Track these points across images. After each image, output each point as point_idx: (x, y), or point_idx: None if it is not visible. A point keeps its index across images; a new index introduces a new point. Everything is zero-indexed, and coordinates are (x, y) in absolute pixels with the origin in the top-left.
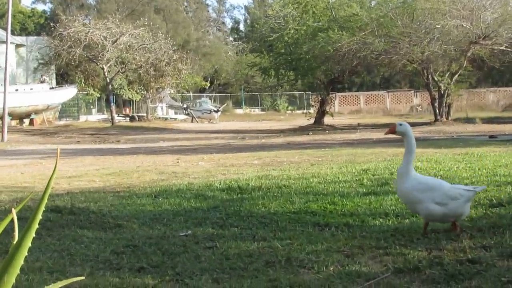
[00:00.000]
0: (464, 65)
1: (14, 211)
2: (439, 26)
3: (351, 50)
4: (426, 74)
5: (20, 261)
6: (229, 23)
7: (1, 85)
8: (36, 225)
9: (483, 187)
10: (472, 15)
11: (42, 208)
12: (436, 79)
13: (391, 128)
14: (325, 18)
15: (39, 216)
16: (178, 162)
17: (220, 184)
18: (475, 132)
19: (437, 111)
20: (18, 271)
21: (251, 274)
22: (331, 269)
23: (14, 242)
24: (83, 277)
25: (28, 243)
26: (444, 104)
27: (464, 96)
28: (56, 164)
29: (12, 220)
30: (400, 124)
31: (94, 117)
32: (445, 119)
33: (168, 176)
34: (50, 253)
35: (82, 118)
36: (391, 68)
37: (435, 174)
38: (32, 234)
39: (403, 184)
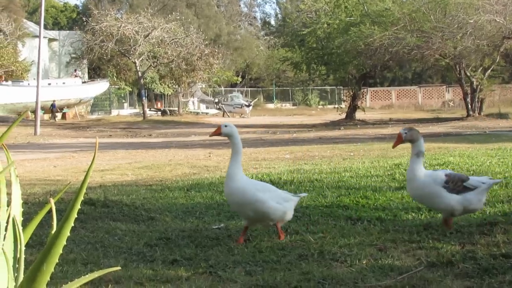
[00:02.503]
0: (497, 60)
1: (52, 201)
2: (471, 21)
3: (383, 45)
4: (458, 69)
5: (58, 251)
6: (260, 18)
7: (34, 79)
8: (74, 215)
9: (303, 194)
10: (505, 10)
11: (81, 197)
12: (468, 74)
13: (217, 130)
14: (357, 12)
15: (78, 206)
16: (210, 156)
17: (252, 178)
18: (507, 128)
19: (470, 106)
20: (56, 260)
21: (284, 267)
22: (364, 262)
23: (53, 232)
24: (119, 268)
25: (66, 233)
26: (477, 99)
27: (496, 91)
28: (94, 155)
29: (47, 212)
30: (225, 126)
31: (126, 111)
32: (477, 114)
33: (200, 170)
34: (84, 245)
35: (114, 112)
36: (423, 63)
37: (468, 169)
38: (71, 223)
39: (233, 184)
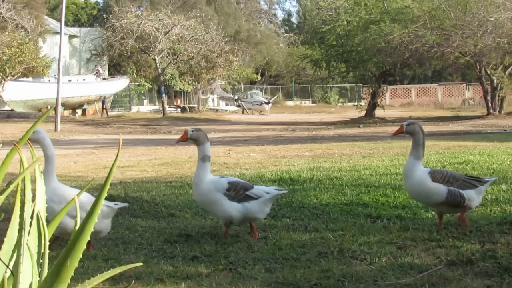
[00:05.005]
0: None
1: (76, 197)
2: (492, 19)
3: (403, 43)
4: (478, 67)
5: (82, 246)
6: (280, 15)
7: (55, 76)
8: (98, 211)
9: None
10: None
11: (105, 194)
12: (489, 72)
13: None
14: (377, 10)
15: (102, 202)
16: (229, 153)
17: (271, 175)
18: None
19: (490, 104)
20: (80, 256)
21: (304, 264)
22: (384, 260)
23: (76, 228)
24: (141, 263)
25: (90, 228)
26: (497, 98)
27: None
28: (118, 152)
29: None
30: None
31: (146, 108)
32: (497, 113)
33: (220, 167)
34: (104, 241)
35: (134, 108)
36: (443, 61)
37: (488, 167)
38: (94, 219)
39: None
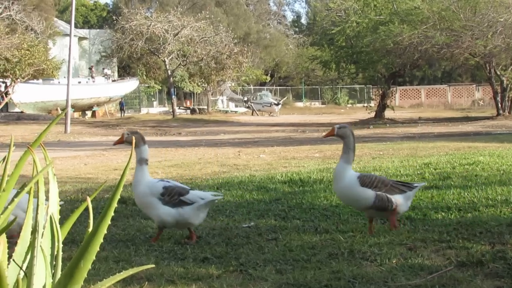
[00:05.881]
0: None
1: (89, 200)
2: (502, 20)
3: (412, 44)
4: (488, 68)
5: (95, 248)
6: (289, 17)
7: (65, 77)
8: (111, 213)
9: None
10: None
11: (118, 196)
12: (498, 73)
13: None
14: (386, 11)
15: (115, 204)
16: (239, 154)
17: (281, 177)
18: None
19: (500, 105)
20: (93, 258)
21: (314, 265)
22: (394, 261)
23: (89, 230)
24: (153, 265)
25: (103, 231)
26: (507, 98)
27: None
28: (131, 154)
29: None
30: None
31: (155, 110)
32: (507, 113)
33: (230, 169)
34: (115, 243)
35: (144, 110)
36: (453, 62)
37: (498, 168)
38: (107, 222)
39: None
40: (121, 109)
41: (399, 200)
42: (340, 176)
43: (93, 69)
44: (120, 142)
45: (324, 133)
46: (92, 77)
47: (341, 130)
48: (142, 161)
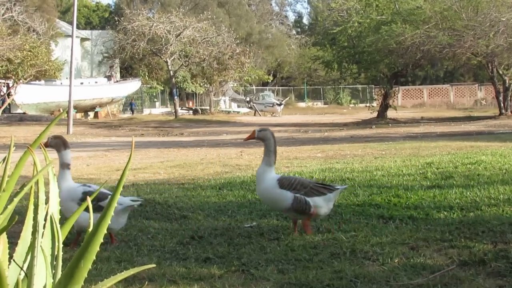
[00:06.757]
0: None
1: (89, 199)
2: (504, 19)
3: (415, 44)
4: (490, 68)
5: (95, 248)
6: (291, 17)
7: (67, 78)
8: (111, 213)
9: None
10: None
11: (118, 196)
12: (501, 72)
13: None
14: (389, 11)
15: (115, 204)
16: (241, 154)
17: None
18: None
19: (502, 104)
20: (93, 258)
21: (316, 265)
22: (396, 261)
23: (90, 230)
24: (154, 265)
25: (103, 230)
26: (509, 98)
27: None
28: (131, 155)
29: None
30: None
31: (158, 110)
32: (509, 113)
33: (232, 169)
34: (117, 243)
35: (146, 111)
36: (455, 62)
37: (500, 167)
38: (107, 221)
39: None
40: (131, 109)
41: (319, 202)
42: (261, 178)
43: (111, 71)
44: (46, 146)
45: (244, 138)
46: (112, 76)
47: (262, 133)
48: (64, 165)
